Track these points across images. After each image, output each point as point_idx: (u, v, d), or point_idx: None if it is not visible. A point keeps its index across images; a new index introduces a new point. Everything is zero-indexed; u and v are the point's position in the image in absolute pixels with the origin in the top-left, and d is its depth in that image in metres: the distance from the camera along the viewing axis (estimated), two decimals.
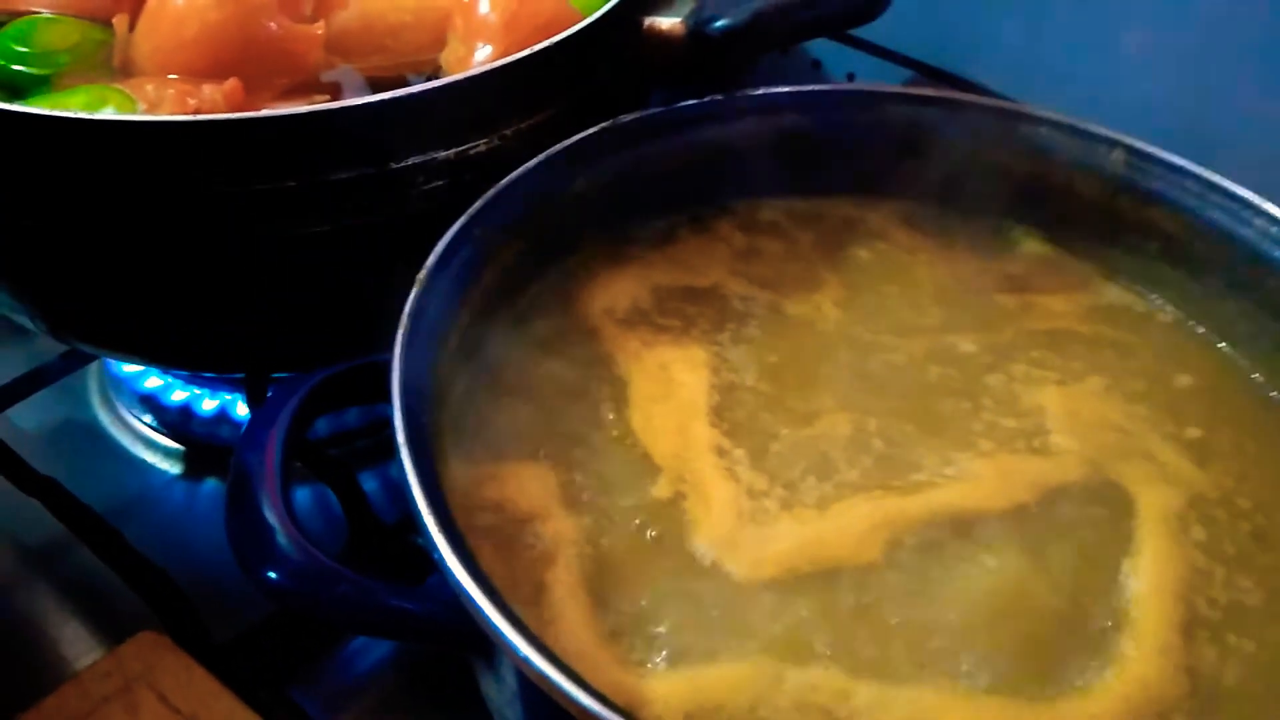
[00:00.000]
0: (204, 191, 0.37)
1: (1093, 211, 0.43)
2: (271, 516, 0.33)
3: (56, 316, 0.43)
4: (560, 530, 0.35)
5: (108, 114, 0.39)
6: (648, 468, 0.36)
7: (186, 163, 0.37)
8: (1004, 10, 0.46)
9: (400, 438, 0.31)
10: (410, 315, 0.35)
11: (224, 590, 0.39)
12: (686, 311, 0.43)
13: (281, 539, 0.33)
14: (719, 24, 0.40)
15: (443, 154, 0.38)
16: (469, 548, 0.31)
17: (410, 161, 0.38)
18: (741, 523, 0.34)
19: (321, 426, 0.50)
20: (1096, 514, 0.35)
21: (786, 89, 0.44)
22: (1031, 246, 0.45)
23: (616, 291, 0.43)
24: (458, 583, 0.29)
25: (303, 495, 0.49)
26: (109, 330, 0.43)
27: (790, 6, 0.41)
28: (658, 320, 0.42)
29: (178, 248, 0.39)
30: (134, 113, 0.40)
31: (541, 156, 0.40)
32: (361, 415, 0.51)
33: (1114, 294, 0.43)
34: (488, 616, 0.28)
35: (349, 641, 0.43)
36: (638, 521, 0.35)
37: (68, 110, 0.37)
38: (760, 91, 0.44)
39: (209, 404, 0.50)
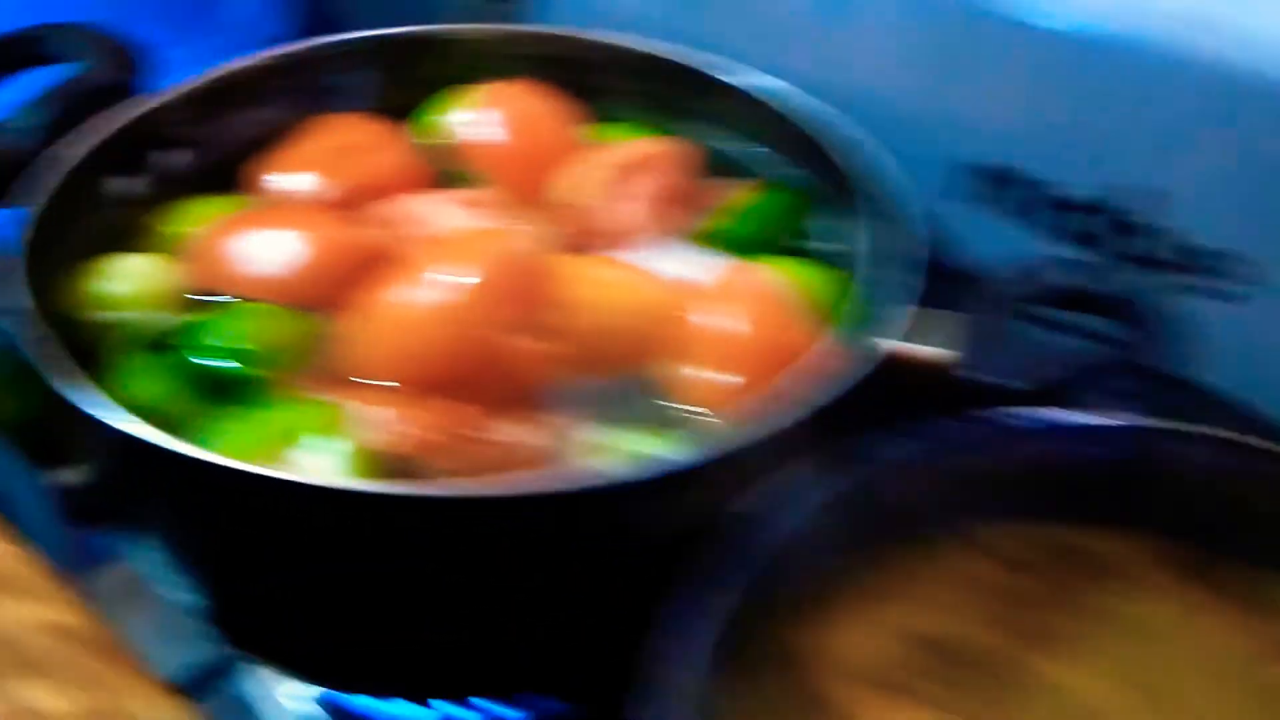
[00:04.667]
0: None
1: None
2: None
3: None
4: None
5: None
6: None
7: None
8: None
9: None
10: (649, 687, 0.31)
11: None
12: (938, 672, 0.38)
13: None
14: (986, 379, 0.36)
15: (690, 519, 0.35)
16: None
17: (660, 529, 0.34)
18: None
19: None
20: None
21: (1072, 417, 0.39)
22: None
23: (849, 642, 0.38)
24: None
25: None
26: None
27: (1071, 361, 0.37)
28: (901, 680, 0.38)
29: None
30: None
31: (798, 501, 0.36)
32: None
33: None
34: None
35: None
36: None
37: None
38: (1017, 421, 0.40)
39: None
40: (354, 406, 0.38)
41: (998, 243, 0.46)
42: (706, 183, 0.49)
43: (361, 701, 0.44)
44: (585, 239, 0.46)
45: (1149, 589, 0.41)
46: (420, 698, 0.45)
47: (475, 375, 0.38)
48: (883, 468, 0.40)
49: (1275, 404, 0.43)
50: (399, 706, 0.45)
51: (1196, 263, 0.42)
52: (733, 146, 0.51)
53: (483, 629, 0.37)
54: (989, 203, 0.46)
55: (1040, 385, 0.38)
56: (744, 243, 0.46)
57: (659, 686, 0.32)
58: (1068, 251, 0.45)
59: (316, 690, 0.45)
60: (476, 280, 0.38)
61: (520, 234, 0.40)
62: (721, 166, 0.51)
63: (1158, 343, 0.39)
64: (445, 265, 0.39)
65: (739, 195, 0.48)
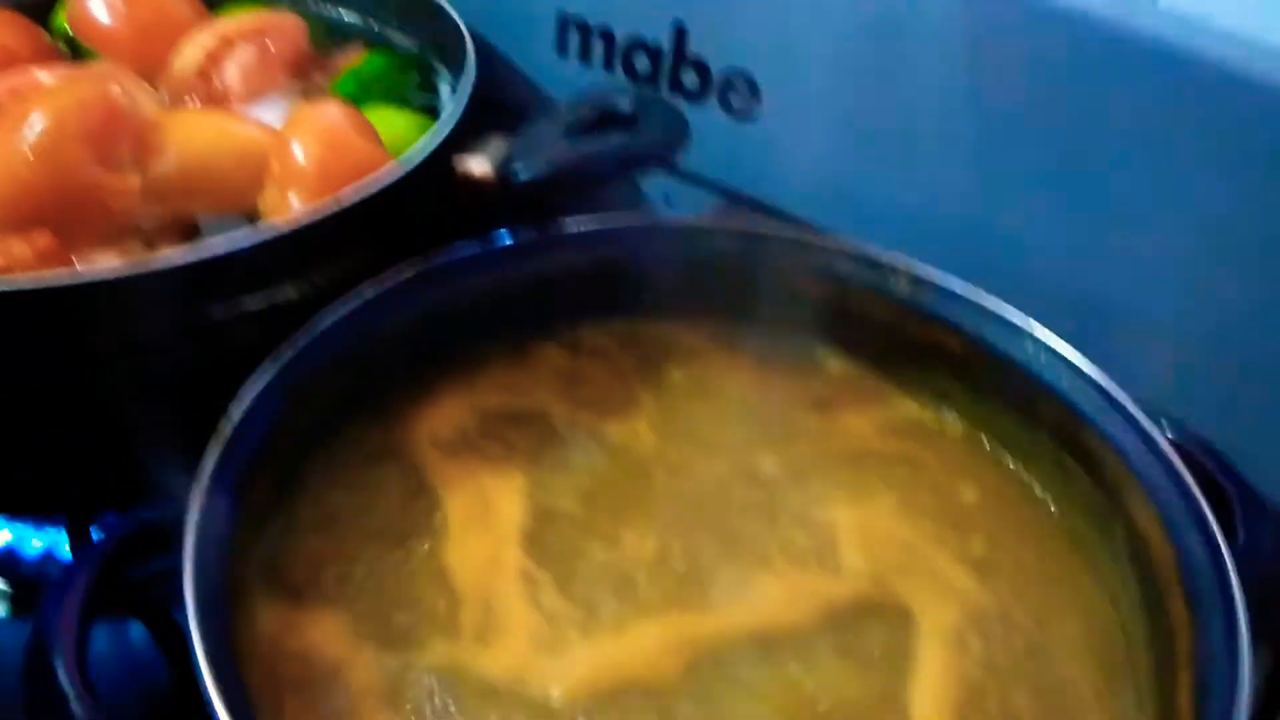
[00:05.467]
0: (7, 351, 0.38)
1: (887, 333, 0.45)
2: (64, 680, 0.33)
3: None
4: (363, 680, 0.35)
5: None
6: (455, 603, 0.37)
7: None
8: (802, 141, 0.50)
9: (188, 598, 0.32)
10: (209, 472, 0.35)
11: None
12: (509, 436, 0.44)
13: (74, 705, 0.33)
14: (522, 177, 0.42)
15: (251, 304, 0.40)
16: (257, 705, 0.31)
17: (216, 311, 0.39)
18: (538, 650, 0.36)
19: (153, 564, 0.50)
20: (878, 631, 0.37)
21: (594, 224, 0.46)
22: (835, 366, 0.47)
23: (439, 420, 0.44)
24: None
25: (138, 630, 0.49)
26: None
27: (590, 157, 0.43)
28: (480, 446, 0.43)
29: None
30: None
31: (352, 299, 0.41)
32: None
33: (909, 409, 0.46)
34: None
35: None
36: (440, 659, 0.36)
37: None
38: (573, 229, 0.46)
39: (35, 543, 0.50)
40: None
41: (566, 79, 0.52)
42: (320, 49, 0.54)
43: None
44: (202, 104, 0.50)
45: (702, 361, 0.48)
46: None
47: (65, 209, 0.42)
48: (461, 277, 0.45)
49: (781, 200, 0.50)
50: None
51: (713, 85, 0.50)
52: (344, 17, 0.57)
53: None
54: (564, 49, 0.53)
55: (579, 184, 0.44)
56: (349, 100, 0.51)
57: (223, 475, 0.36)
58: (615, 82, 0.52)
59: None
60: (52, 120, 0.41)
61: (98, 79, 0.44)
62: (338, 35, 0.56)
63: (680, 151, 0.46)
64: (27, 110, 0.42)
65: (348, 59, 0.53)
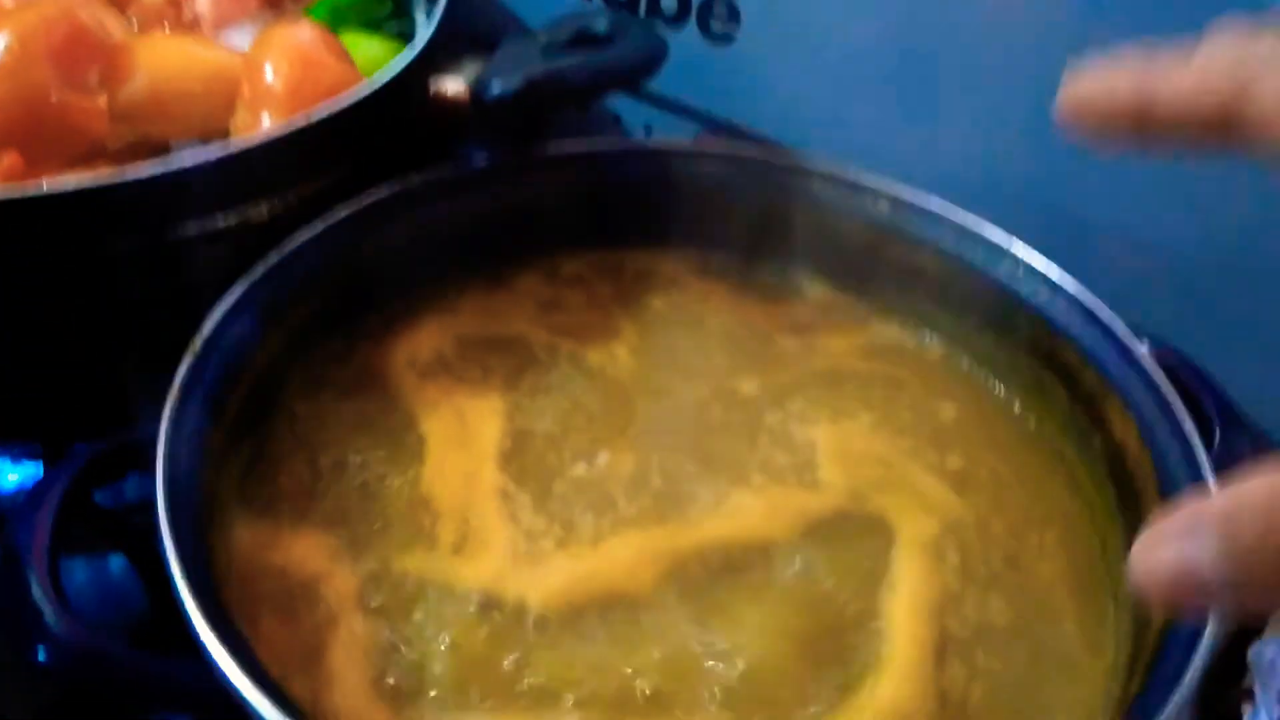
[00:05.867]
0: None
1: (866, 256, 0.45)
2: (38, 594, 0.33)
3: None
4: (342, 591, 0.35)
5: None
6: (433, 518, 0.37)
7: None
8: (781, 64, 0.49)
9: (161, 511, 0.32)
10: (180, 386, 0.35)
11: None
12: (488, 361, 0.44)
13: (49, 618, 0.32)
14: (495, 91, 0.41)
15: (223, 222, 0.39)
16: (233, 618, 0.31)
17: (187, 230, 0.38)
18: (516, 564, 0.35)
19: (129, 491, 0.49)
20: (856, 544, 0.37)
21: (572, 147, 0.45)
22: (815, 291, 0.47)
23: (419, 344, 0.44)
24: (212, 658, 0.29)
25: (116, 562, 0.49)
26: None
27: (562, 72, 0.42)
28: (458, 370, 0.43)
29: None
30: None
31: (326, 219, 0.41)
32: None
33: (889, 332, 0.45)
34: (239, 691, 0.29)
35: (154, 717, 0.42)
36: (417, 574, 0.35)
37: None
38: (550, 150, 0.46)
39: (11, 475, 0.49)
40: None
41: (543, 7, 0.52)
42: None
43: None
44: (172, 31, 0.50)
45: (681, 289, 0.48)
46: None
47: (31, 129, 0.41)
48: (437, 199, 0.45)
49: (762, 125, 0.50)
50: None
51: (691, 8, 0.49)
52: None
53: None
54: None
55: (553, 100, 0.43)
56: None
57: (193, 393, 0.36)
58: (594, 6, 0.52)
59: None
60: (15, 39, 0.41)
61: (63, 1, 0.43)
62: None
63: (657, 68, 0.45)
64: None
65: None
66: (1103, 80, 0.26)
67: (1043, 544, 0.38)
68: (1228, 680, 0.38)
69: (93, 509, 0.47)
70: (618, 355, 0.44)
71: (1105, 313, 0.40)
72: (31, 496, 0.35)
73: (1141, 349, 0.39)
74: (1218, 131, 0.24)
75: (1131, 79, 0.25)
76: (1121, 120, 0.25)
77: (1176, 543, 0.21)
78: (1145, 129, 0.25)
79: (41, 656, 0.32)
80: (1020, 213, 0.44)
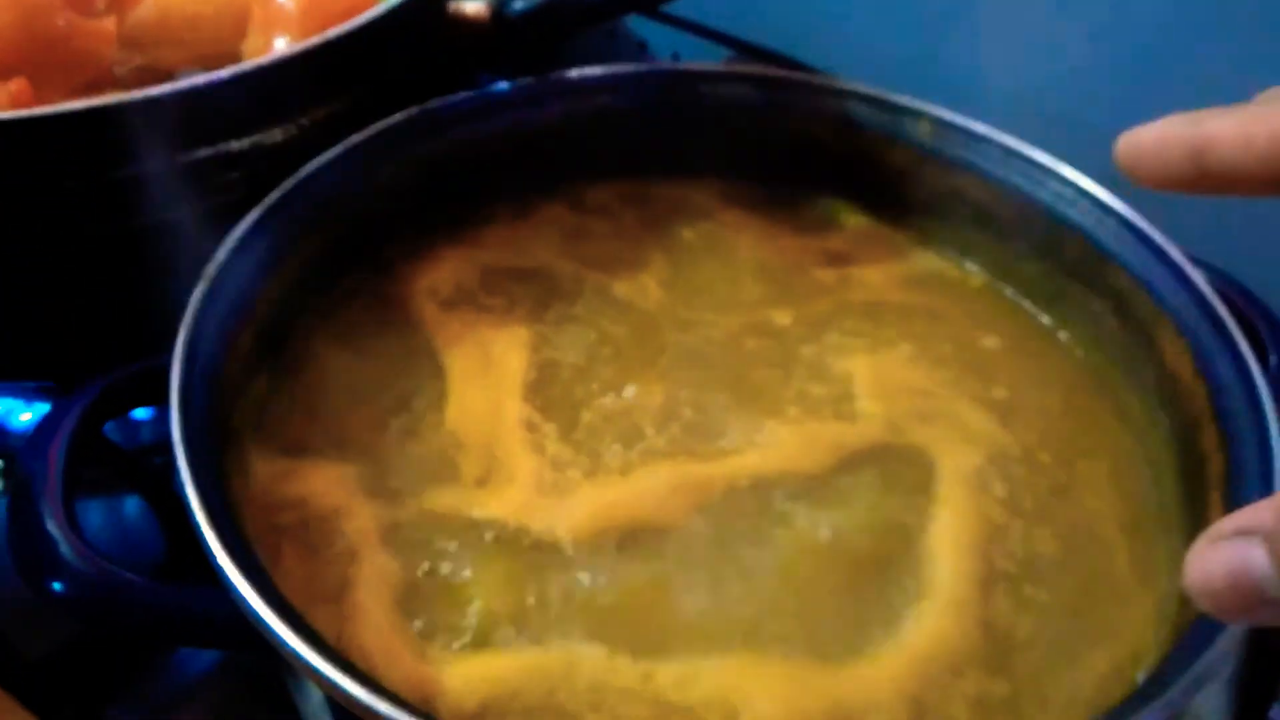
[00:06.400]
0: None
1: (905, 182, 0.43)
2: (53, 526, 0.32)
3: None
4: (363, 523, 0.34)
5: None
6: (456, 449, 0.36)
7: None
8: None
9: (176, 437, 0.31)
10: (194, 313, 0.34)
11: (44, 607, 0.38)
12: (512, 292, 0.42)
13: (64, 549, 0.31)
14: (518, 6, 0.39)
15: (236, 145, 0.38)
16: (254, 549, 0.30)
17: (200, 154, 0.37)
18: (542, 493, 0.34)
19: (145, 433, 0.48)
20: (898, 475, 0.35)
21: (596, 71, 0.43)
22: (850, 220, 0.45)
23: (440, 274, 0.42)
24: (234, 587, 0.28)
25: (131, 506, 0.48)
26: None
27: None
28: (482, 300, 0.42)
29: None
30: None
31: (342, 145, 0.39)
32: None
33: (928, 262, 0.44)
34: (265, 622, 0.27)
35: (171, 654, 0.42)
36: (441, 505, 0.34)
37: None
38: (572, 74, 0.44)
39: (24, 416, 0.48)
40: None
41: None
42: None
43: None
44: None
45: (712, 220, 0.46)
46: None
47: (38, 54, 0.40)
48: (456, 125, 0.43)
49: (795, 50, 0.48)
50: None
51: None
52: None
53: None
54: None
55: (578, 17, 0.41)
56: None
57: (206, 322, 0.35)
58: None
59: None
60: None
61: None
62: None
63: None
64: None
65: None
66: (1159, 126, 0.26)
67: (1092, 475, 0.36)
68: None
69: (108, 449, 0.46)
70: (646, 286, 0.43)
71: (1158, 235, 0.38)
72: (42, 427, 0.34)
73: (1195, 272, 0.37)
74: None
75: (1187, 120, 0.26)
76: (1178, 161, 0.26)
77: (1231, 550, 0.21)
78: (1202, 166, 0.25)
79: (58, 588, 0.31)
80: (1066, 139, 0.42)
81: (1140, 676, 0.31)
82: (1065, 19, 0.45)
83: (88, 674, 0.40)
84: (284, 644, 0.27)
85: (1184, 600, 0.32)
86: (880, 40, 0.48)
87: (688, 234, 0.45)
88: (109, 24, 0.41)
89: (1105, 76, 0.44)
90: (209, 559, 0.29)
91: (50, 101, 0.40)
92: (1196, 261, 0.38)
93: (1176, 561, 0.34)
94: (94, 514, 0.47)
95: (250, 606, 0.28)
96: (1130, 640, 0.33)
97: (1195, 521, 0.34)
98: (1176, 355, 0.36)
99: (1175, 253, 0.37)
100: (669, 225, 0.45)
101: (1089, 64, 0.43)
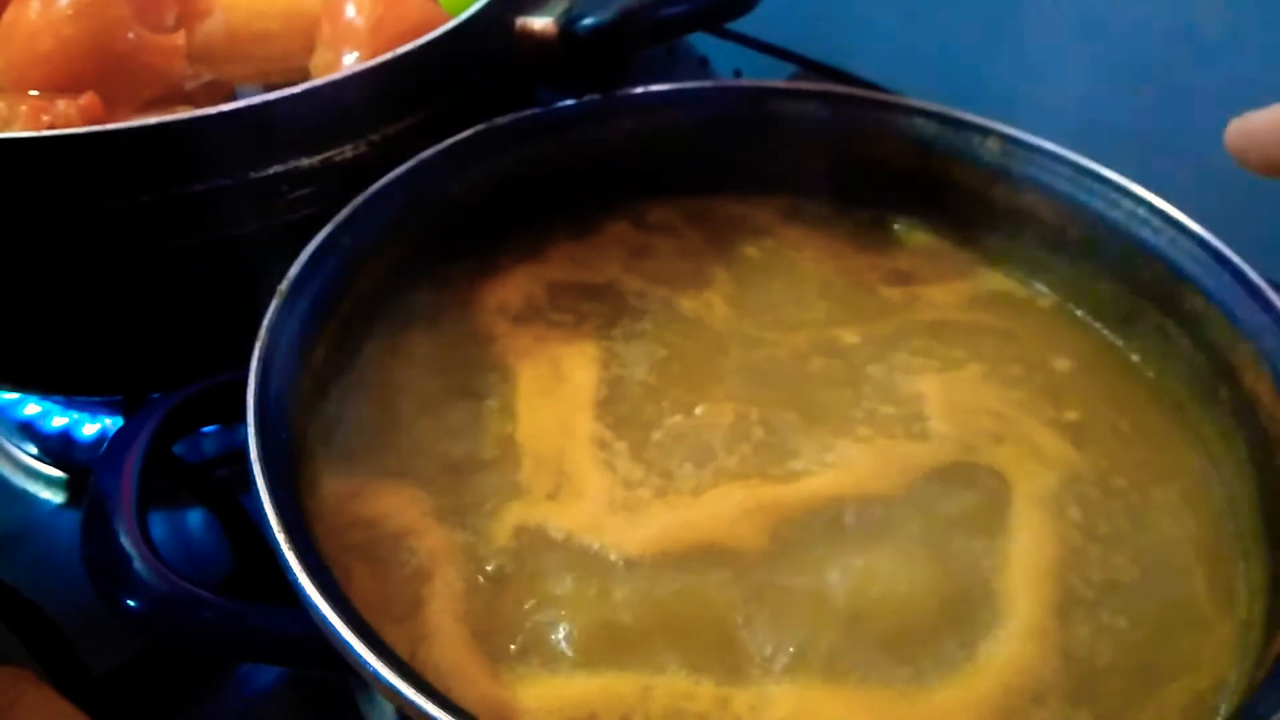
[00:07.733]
0: (60, 210, 0.36)
1: (972, 200, 0.43)
2: (127, 542, 0.32)
3: None
4: (435, 543, 0.34)
5: None
6: (527, 466, 0.36)
7: (40, 181, 0.36)
8: (883, 3, 0.47)
9: (253, 454, 0.31)
10: (269, 329, 0.34)
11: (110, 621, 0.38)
12: (580, 307, 0.42)
13: (138, 565, 0.31)
14: (587, 22, 0.39)
15: (306, 162, 0.38)
16: (329, 567, 0.30)
17: (271, 170, 0.37)
18: (613, 512, 0.34)
19: (209, 446, 0.49)
20: (972, 498, 0.35)
21: (663, 87, 0.43)
22: (915, 238, 0.45)
23: (509, 290, 0.42)
24: (313, 605, 0.28)
25: (195, 519, 0.48)
26: None
27: (658, 2, 0.40)
28: (550, 316, 0.42)
29: (37, 268, 0.38)
30: None
31: (412, 161, 0.39)
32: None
33: (995, 281, 0.43)
34: (345, 641, 0.27)
35: (235, 669, 0.42)
36: (512, 522, 0.34)
37: None
38: (638, 91, 0.44)
39: (90, 428, 0.49)
40: None
41: None
42: None
43: None
44: None
45: (775, 237, 0.46)
46: None
47: (108, 69, 0.40)
48: (521, 142, 0.43)
49: (861, 68, 0.48)
50: None
51: None
52: None
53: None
54: None
55: (646, 35, 0.41)
56: None
57: (280, 339, 0.35)
58: None
59: None
60: None
61: None
62: None
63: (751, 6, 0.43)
64: None
65: None
66: (1270, 112, 0.26)
67: (1166, 499, 0.36)
68: None
69: (174, 463, 0.47)
70: (712, 303, 0.43)
71: (1234, 256, 0.37)
72: (116, 443, 0.35)
73: (1275, 294, 0.36)
74: None
75: None
76: None
77: None
78: None
79: (133, 605, 0.31)
80: (1136, 159, 0.41)
81: (1223, 707, 0.31)
82: (1133, 38, 0.45)
83: (153, 688, 0.40)
84: (365, 664, 0.27)
85: (1267, 630, 0.32)
86: (941, 56, 0.47)
87: (751, 251, 0.45)
88: (178, 39, 0.41)
89: (1172, 98, 0.44)
90: (289, 580, 0.28)
91: (120, 116, 0.41)
92: (1273, 283, 0.37)
93: (1255, 590, 0.33)
94: (160, 527, 0.47)
95: (333, 627, 0.27)
96: (1211, 669, 0.32)
97: (1274, 547, 0.33)
98: (1256, 379, 0.35)
99: (1253, 274, 0.36)
100: (731, 242, 0.45)
101: (1159, 84, 0.43)
